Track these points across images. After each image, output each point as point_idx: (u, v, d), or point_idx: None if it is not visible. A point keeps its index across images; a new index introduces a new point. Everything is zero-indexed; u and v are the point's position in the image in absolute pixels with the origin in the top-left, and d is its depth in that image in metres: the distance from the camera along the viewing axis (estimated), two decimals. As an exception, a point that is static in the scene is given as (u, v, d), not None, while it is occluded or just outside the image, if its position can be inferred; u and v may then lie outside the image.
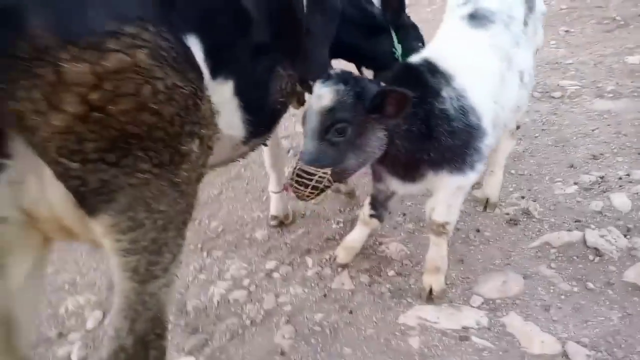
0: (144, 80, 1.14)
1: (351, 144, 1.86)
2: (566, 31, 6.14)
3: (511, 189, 3.29)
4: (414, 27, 3.20)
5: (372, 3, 3.01)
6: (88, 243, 1.49)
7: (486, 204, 3.12)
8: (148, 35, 1.13)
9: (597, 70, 4.90)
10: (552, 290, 2.44)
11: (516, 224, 2.93)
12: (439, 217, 2.33)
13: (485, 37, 2.30)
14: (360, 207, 3.41)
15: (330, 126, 1.81)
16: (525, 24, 2.48)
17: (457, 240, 2.86)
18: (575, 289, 2.43)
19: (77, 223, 1.35)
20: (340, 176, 1.95)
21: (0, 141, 1.15)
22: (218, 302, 2.73)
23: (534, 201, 3.10)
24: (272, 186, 3.32)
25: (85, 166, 1.17)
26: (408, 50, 2.91)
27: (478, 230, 2.92)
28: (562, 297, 2.40)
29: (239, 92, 1.71)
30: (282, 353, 2.32)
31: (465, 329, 2.31)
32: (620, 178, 3.17)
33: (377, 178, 2.43)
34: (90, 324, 2.67)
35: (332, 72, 1.92)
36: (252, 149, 2.25)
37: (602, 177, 3.20)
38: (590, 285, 2.42)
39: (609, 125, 3.84)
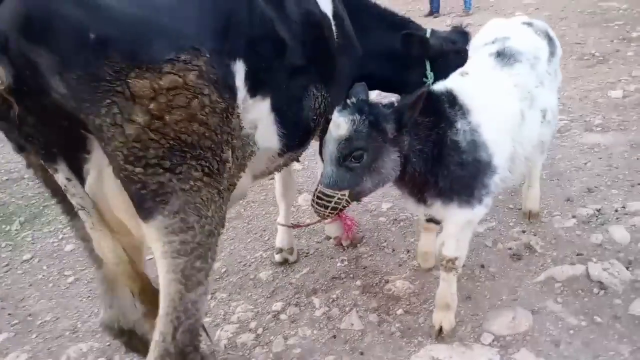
0: (193, 95, 1.40)
1: (367, 168, 1.99)
2: (550, 67, 6.39)
3: (511, 224, 3.35)
4: (457, 53, 3.16)
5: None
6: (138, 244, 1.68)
7: (529, 215, 3.34)
8: (198, 61, 1.40)
9: (583, 104, 5.09)
10: (560, 325, 2.45)
11: (520, 259, 2.97)
12: (449, 252, 2.38)
13: (510, 75, 2.40)
14: (362, 244, 3.45)
15: (347, 154, 1.94)
16: (549, 65, 2.62)
17: (463, 277, 2.88)
18: (584, 323, 2.45)
19: (127, 217, 1.56)
20: (357, 197, 2.10)
21: (85, 140, 1.48)
22: (225, 346, 2.69)
23: (535, 235, 3.15)
24: (280, 218, 3.33)
25: (147, 171, 1.39)
26: (443, 79, 2.98)
27: (483, 266, 2.94)
28: (571, 331, 2.42)
29: (275, 108, 1.93)
30: (295, 398, 2.29)
31: (478, 367, 2.30)
32: (616, 210, 3.25)
33: (403, 197, 2.52)
34: (94, 373, 2.60)
35: (348, 101, 2.02)
36: (287, 164, 2.46)
37: (599, 210, 3.28)
38: (598, 319, 2.44)
39: (600, 158, 3.96)
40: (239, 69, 1.64)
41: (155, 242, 1.49)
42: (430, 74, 3.05)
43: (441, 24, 10.93)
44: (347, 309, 2.80)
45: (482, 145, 2.15)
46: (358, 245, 3.43)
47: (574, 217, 3.27)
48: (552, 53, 2.70)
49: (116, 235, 1.69)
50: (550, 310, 2.54)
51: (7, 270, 3.87)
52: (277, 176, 3.24)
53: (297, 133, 2.17)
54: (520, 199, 3.57)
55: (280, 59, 1.90)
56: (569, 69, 6.21)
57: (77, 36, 1.24)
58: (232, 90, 1.60)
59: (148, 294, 1.71)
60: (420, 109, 2.03)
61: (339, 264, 3.26)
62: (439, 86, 2.33)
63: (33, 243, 4.34)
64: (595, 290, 2.62)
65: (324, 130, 2.17)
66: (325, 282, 3.09)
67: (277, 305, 2.92)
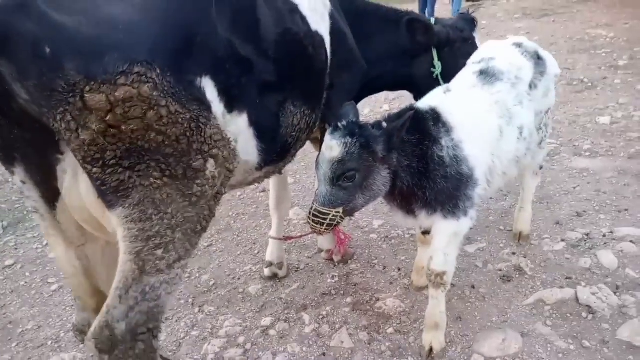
0: (148, 106, 1.48)
1: (359, 186, 2.10)
2: (540, 91, 6.51)
3: (502, 245, 3.37)
4: (465, 41, 3.23)
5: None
6: (110, 237, 1.75)
7: (520, 236, 3.38)
8: (152, 74, 1.47)
9: (572, 129, 5.18)
10: (549, 349, 2.46)
11: (510, 281, 2.98)
12: (437, 266, 2.40)
13: (491, 94, 2.51)
14: (353, 260, 3.44)
15: (340, 175, 2.04)
16: (534, 86, 2.70)
17: (454, 297, 2.88)
18: (572, 347, 2.46)
19: (100, 212, 1.66)
20: (350, 213, 2.21)
21: (57, 142, 1.60)
22: (212, 361, 2.64)
23: (525, 257, 3.17)
24: (273, 231, 3.31)
25: (105, 170, 1.51)
26: (451, 68, 3.00)
27: (473, 287, 2.95)
28: (560, 355, 2.42)
29: (253, 123, 2.00)
30: (283, 417, 2.25)
31: (468, 390, 2.30)
32: (604, 235, 3.29)
33: (391, 211, 2.57)
34: (77, 386, 2.53)
35: (339, 123, 2.10)
36: (267, 176, 2.51)
37: (587, 235, 3.32)
38: (586, 343, 2.45)
39: (588, 183, 4.02)
40: (207, 84, 1.70)
41: (117, 227, 1.61)
42: (437, 64, 3.10)
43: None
44: (337, 326, 2.78)
45: (464, 159, 2.29)
46: (349, 261, 3.42)
47: (563, 240, 3.31)
48: (541, 73, 2.76)
49: (98, 235, 1.81)
50: (539, 333, 2.55)
51: (-12, 276, 3.78)
52: (272, 189, 3.23)
53: (274, 148, 2.24)
54: (510, 221, 3.60)
55: (249, 77, 1.96)
56: (559, 93, 6.31)
57: (33, 50, 1.35)
58: (202, 102, 1.67)
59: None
60: (407, 128, 2.15)
61: (329, 280, 3.24)
62: (424, 104, 2.42)
63: (16, 249, 4.25)
64: (584, 314, 2.63)
65: None
66: (316, 298, 3.07)
67: (266, 321, 2.89)
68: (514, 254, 3.25)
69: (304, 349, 2.64)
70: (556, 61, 2.97)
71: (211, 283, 3.40)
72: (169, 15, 1.61)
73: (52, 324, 3.14)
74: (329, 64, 2.53)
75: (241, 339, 2.77)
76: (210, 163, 1.72)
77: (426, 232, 2.84)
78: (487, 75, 2.58)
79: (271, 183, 3.26)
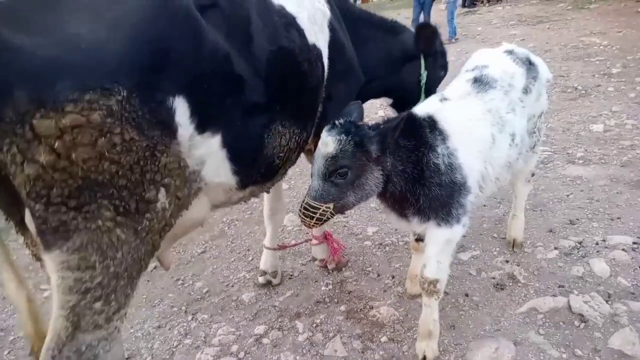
0: (99, 133, 1.37)
1: (351, 184, 2.12)
2: (534, 98, 6.56)
3: (495, 253, 3.38)
4: (443, 54, 3.34)
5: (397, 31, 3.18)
6: None
7: (513, 244, 3.41)
8: (108, 101, 1.37)
9: (566, 137, 5.22)
10: (542, 357, 2.46)
11: (503, 289, 2.99)
12: (430, 273, 2.41)
13: (484, 101, 2.54)
14: (347, 268, 3.44)
15: (333, 171, 2.07)
16: (527, 91, 2.74)
17: (447, 305, 2.88)
18: (565, 356, 2.46)
19: None
20: (340, 210, 2.22)
21: None
22: (205, 370, 2.63)
23: (518, 265, 3.18)
24: (267, 240, 3.30)
25: (48, 208, 1.36)
26: (433, 79, 3.13)
27: (467, 295, 2.96)
28: (553, 364, 2.43)
29: (227, 145, 1.87)
30: None
31: (460, 399, 2.29)
32: (597, 243, 3.31)
33: (385, 211, 2.59)
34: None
35: (336, 121, 2.14)
36: (255, 194, 2.41)
37: (580, 243, 3.34)
38: (579, 352, 2.46)
39: (582, 191, 4.05)
40: (180, 104, 1.59)
41: (51, 273, 1.45)
42: (424, 72, 3.14)
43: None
44: (330, 334, 2.78)
45: (458, 167, 2.31)
46: (343, 269, 3.42)
47: (556, 248, 3.32)
48: (534, 77, 2.81)
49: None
50: (532, 342, 2.55)
51: (-20, 283, 3.75)
52: (266, 199, 3.22)
53: (257, 169, 2.14)
54: (504, 228, 3.62)
55: (233, 96, 1.86)
56: (553, 100, 6.39)
57: None
58: (166, 127, 1.56)
59: None
60: (403, 133, 2.19)
61: (323, 288, 3.24)
62: (421, 111, 2.44)
63: (25, 246, 4.22)
64: (576, 322, 2.64)
65: None
66: (309, 306, 3.06)
67: (260, 329, 2.88)
68: (507, 261, 3.26)
69: (298, 357, 2.63)
70: (550, 68, 3.01)
71: (205, 290, 3.39)
72: (140, 30, 1.50)
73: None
74: (325, 77, 2.49)
75: (234, 348, 2.76)
76: (162, 193, 1.60)
77: (419, 240, 2.86)
78: (481, 83, 2.61)
79: (265, 193, 3.25)
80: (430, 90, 3.26)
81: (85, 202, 1.39)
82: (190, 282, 3.53)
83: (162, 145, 1.55)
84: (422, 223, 2.37)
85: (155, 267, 3.60)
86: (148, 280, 3.58)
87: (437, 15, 14.48)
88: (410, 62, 3.20)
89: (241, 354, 2.70)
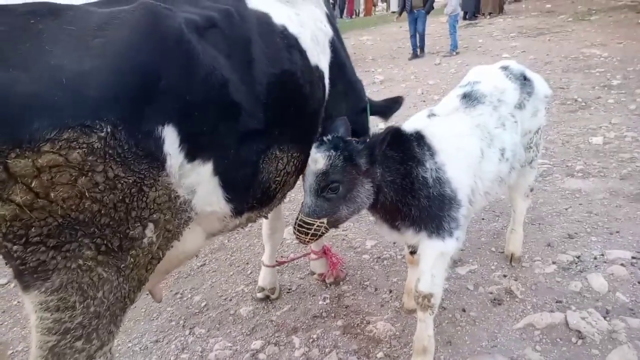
0: (79, 173, 1.30)
1: (343, 198, 2.17)
2: (534, 110, 6.58)
3: (493, 267, 3.38)
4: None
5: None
6: None
7: (511, 258, 3.41)
8: (89, 138, 1.29)
9: (565, 149, 5.22)
10: (539, 375, 2.46)
11: (500, 304, 2.98)
12: (424, 287, 2.42)
13: (472, 116, 2.57)
14: (345, 282, 3.44)
15: (325, 186, 2.12)
16: (521, 106, 2.77)
17: (444, 321, 2.88)
18: (561, 373, 2.45)
19: None
20: (334, 224, 2.26)
21: None
22: (201, 386, 2.63)
23: (516, 280, 3.18)
24: (265, 258, 3.30)
25: (26, 248, 1.30)
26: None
27: (464, 310, 2.95)
28: (549, 381, 2.42)
29: (219, 172, 1.80)
30: None
31: (456, 416, 2.28)
32: (595, 258, 3.30)
33: (377, 223, 2.61)
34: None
35: (324, 138, 2.18)
36: (252, 220, 2.34)
37: (578, 257, 3.33)
38: (576, 369, 2.45)
39: (580, 204, 4.04)
40: (169, 133, 1.52)
41: (30, 314, 1.41)
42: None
43: (427, 64, 11.24)
44: (327, 350, 2.77)
45: (446, 181, 2.35)
46: (341, 283, 3.42)
47: (554, 263, 3.31)
48: (528, 93, 2.83)
49: None
50: (528, 359, 2.54)
51: (-19, 295, 3.77)
52: (264, 220, 3.18)
53: (252, 195, 2.08)
54: (502, 242, 3.61)
55: (227, 123, 1.78)
56: (553, 112, 6.40)
57: None
58: (154, 159, 1.49)
59: None
60: (391, 145, 2.26)
61: (320, 302, 3.24)
62: (409, 127, 2.49)
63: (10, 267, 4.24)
64: (574, 339, 2.63)
65: None
66: (307, 321, 3.06)
67: (256, 344, 2.88)
68: (505, 276, 3.25)
69: (293, 373, 2.63)
70: (550, 80, 3.05)
71: (203, 304, 3.40)
72: (127, 59, 1.41)
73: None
74: (326, 98, 2.45)
75: (230, 363, 2.76)
76: (150, 228, 1.54)
77: (414, 252, 2.86)
78: (469, 98, 2.64)
79: None
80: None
81: (65, 241, 1.34)
82: (189, 296, 3.54)
83: (150, 179, 1.48)
84: (415, 234, 2.40)
85: (154, 281, 3.61)
86: (147, 294, 3.58)
87: (440, 28, 14.60)
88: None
89: (237, 370, 2.70)
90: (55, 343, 1.41)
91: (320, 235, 2.23)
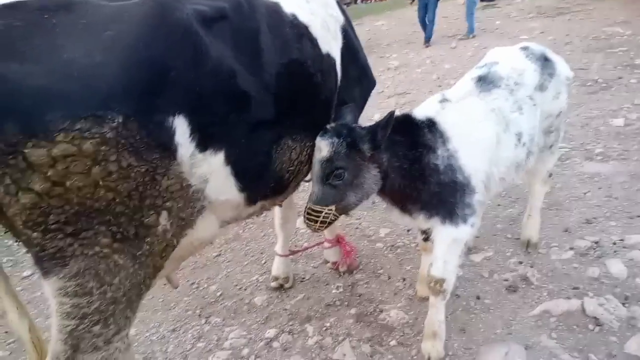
0: (93, 162, 1.35)
1: (349, 184, 2.19)
2: (553, 93, 6.41)
3: (508, 254, 3.33)
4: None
5: None
6: None
7: (527, 244, 3.34)
8: (102, 128, 1.34)
9: (584, 132, 5.09)
10: (554, 362, 2.43)
11: (515, 291, 2.95)
12: (437, 272, 2.42)
13: (487, 101, 2.51)
14: (359, 270, 3.44)
15: (330, 173, 2.14)
16: (543, 88, 2.69)
17: (458, 308, 2.86)
18: (578, 361, 2.42)
19: None
20: (343, 211, 2.28)
21: None
22: (217, 374, 2.68)
23: (532, 267, 3.13)
24: (278, 248, 3.32)
25: (45, 235, 1.35)
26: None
27: (478, 297, 2.92)
28: (565, 369, 2.39)
29: (231, 162, 1.82)
30: None
31: (469, 404, 2.28)
32: (614, 243, 3.23)
33: (387, 208, 2.60)
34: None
35: (328, 126, 2.20)
36: (267, 208, 2.39)
37: (596, 242, 3.26)
38: (592, 357, 2.40)
39: (600, 188, 3.94)
40: (180, 124, 1.56)
41: (50, 299, 1.47)
42: None
43: (443, 48, 11.04)
44: (340, 338, 2.79)
45: (458, 168, 2.32)
46: (354, 271, 3.42)
47: (571, 249, 3.25)
48: (550, 74, 2.75)
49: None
50: (544, 346, 2.51)
51: (6, 287, 3.88)
52: (276, 209, 3.21)
53: (266, 184, 2.10)
54: (518, 228, 3.56)
55: (238, 113, 1.80)
56: (572, 94, 6.18)
57: None
58: (165, 148, 1.53)
59: None
60: (399, 130, 2.24)
61: (334, 291, 3.25)
62: (420, 113, 2.46)
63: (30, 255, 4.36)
64: (591, 326, 2.59)
65: None
66: (320, 310, 3.08)
67: (270, 332, 2.91)
68: (520, 263, 3.21)
69: (307, 361, 2.66)
70: (570, 61, 2.94)
71: (218, 294, 3.45)
72: (137, 50, 1.45)
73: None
74: (338, 85, 2.44)
75: (245, 351, 2.80)
76: (163, 216, 1.58)
77: (427, 239, 2.84)
78: (484, 81, 2.59)
79: None
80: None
81: (82, 228, 1.39)
82: (205, 286, 3.59)
83: (162, 168, 1.52)
84: (427, 219, 2.40)
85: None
86: (165, 285, 3.63)
87: (456, 10, 14.29)
88: None
89: (251, 358, 2.74)
90: (74, 327, 1.47)
91: (330, 223, 2.25)
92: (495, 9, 15.26)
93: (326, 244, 3.45)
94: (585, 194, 3.92)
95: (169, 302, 3.44)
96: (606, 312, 2.62)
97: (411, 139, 2.33)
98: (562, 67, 2.86)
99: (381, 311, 2.96)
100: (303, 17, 2.17)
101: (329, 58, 2.29)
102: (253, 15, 1.93)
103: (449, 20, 13.76)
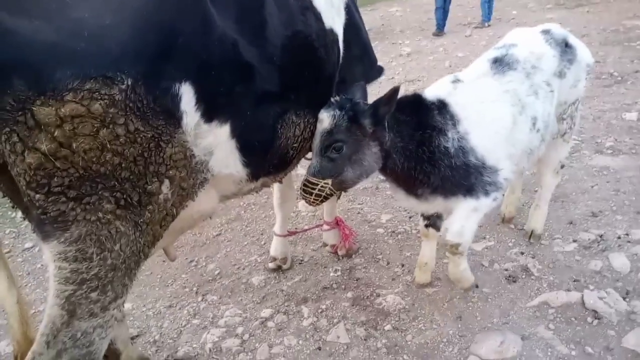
0: (101, 124, 1.33)
1: (347, 159, 2.17)
2: (566, 85, 6.28)
3: (510, 244, 3.29)
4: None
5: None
6: None
7: (531, 235, 3.28)
8: (110, 90, 1.32)
9: (596, 125, 4.98)
10: (550, 353, 2.39)
11: (515, 281, 2.91)
12: (452, 237, 2.46)
13: (501, 82, 2.46)
14: (358, 255, 3.42)
15: (328, 146, 2.14)
16: (562, 75, 2.63)
17: (456, 296, 2.83)
18: (574, 353, 2.38)
19: None
20: (340, 186, 2.27)
21: None
22: (210, 350, 2.68)
23: (533, 258, 3.08)
24: (276, 228, 3.30)
25: (48, 198, 1.34)
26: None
27: (477, 286, 2.88)
28: (561, 360, 2.36)
29: (236, 135, 1.81)
30: (273, 409, 2.27)
31: (461, 391, 2.26)
32: (619, 237, 3.16)
33: (391, 188, 2.59)
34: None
35: (332, 99, 2.19)
36: (267, 185, 2.38)
37: (601, 236, 3.20)
38: (589, 349, 2.37)
39: (608, 182, 3.87)
40: (186, 91, 1.53)
41: (49, 263, 1.46)
42: None
43: (457, 36, 10.86)
44: (335, 320, 2.77)
45: (470, 150, 2.29)
46: (353, 255, 3.40)
47: (575, 241, 3.19)
48: (569, 60, 2.68)
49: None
50: (540, 337, 2.48)
51: (8, 257, 3.92)
52: (276, 186, 3.20)
53: (269, 160, 2.09)
54: (522, 219, 3.50)
55: (244, 85, 1.77)
56: (586, 87, 6.09)
57: None
58: (170, 115, 1.51)
59: None
60: (406, 110, 2.25)
61: (332, 274, 3.23)
62: (431, 94, 2.41)
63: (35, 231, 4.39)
64: (589, 319, 2.54)
65: None
66: (317, 292, 3.06)
67: (266, 312, 2.91)
68: (522, 253, 3.16)
69: (300, 342, 2.65)
70: (587, 52, 2.84)
71: (216, 272, 3.45)
72: (147, 13, 1.42)
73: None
74: (340, 62, 2.42)
75: (239, 330, 2.80)
76: (165, 185, 1.57)
77: (429, 225, 2.81)
78: (500, 63, 2.53)
79: None
80: None
81: (86, 193, 1.37)
82: (204, 264, 3.59)
83: (166, 135, 1.51)
84: (445, 201, 2.39)
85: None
86: (164, 261, 3.65)
87: (471, -1, 13.98)
88: None
89: (245, 336, 2.74)
90: (72, 292, 1.46)
91: (326, 197, 2.24)
92: (512, -1, 14.94)
93: (325, 227, 3.42)
94: (592, 187, 3.84)
95: (167, 278, 3.45)
96: (606, 306, 2.58)
97: (419, 119, 2.29)
98: (583, 53, 2.79)
99: (378, 296, 2.94)
100: None
101: (332, 33, 2.26)
102: None
103: (464, 9, 13.49)
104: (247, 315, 2.93)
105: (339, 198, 3.41)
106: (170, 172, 1.57)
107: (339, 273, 3.24)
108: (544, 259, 3.08)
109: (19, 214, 4.65)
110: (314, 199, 2.21)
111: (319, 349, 2.59)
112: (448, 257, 2.59)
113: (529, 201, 3.65)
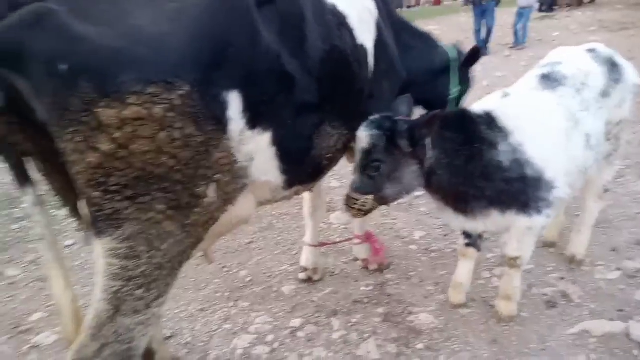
0: (160, 127, 1.39)
1: (386, 177, 2.19)
2: (610, 108, 6.10)
3: (550, 268, 3.18)
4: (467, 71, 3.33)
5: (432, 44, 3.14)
6: None
7: (572, 260, 3.20)
8: (170, 95, 1.38)
9: (641, 151, 4.81)
10: (591, 385, 2.29)
11: (554, 307, 2.81)
12: (511, 251, 2.52)
13: (553, 97, 2.44)
14: (389, 270, 3.38)
15: (367, 164, 2.18)
16: (607, 94, 2.57)
17: (492, 319, 2.75)
18: (617, 386, 2.27)
19: None
20: (381, 202, 2.29)
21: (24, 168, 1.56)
22: (240, 356, 2.69)
23: (574, 284, 2.98)
24: (307, 238, 3.31)
25: (105, 196, 1.40)
26: (462, 92, 3.17)
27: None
28: (602, 393, 2.25)
29: (277, 143, 1.88)
30: (302, 420, 2.24)
31: (495, 417, 2.18)
32: (666, 268, 3.02)
33: (439, 208, 2.57)
34: None
35: (371, 118, 2.21)
36: (298, 194, 2.43)
37: (646, 266, 3.06)
38: (634, 383, 2.26)
39: (654, 210, 3.72)
40: (234, 99, 1.60)
41: (98, 259, 1.51)
42: (457, 87, 3.13)
43: (496, 55, 10.73)
44: (365, 335, 2.74)
45: (526, 162, 2.25)
46: (384, 271, 3.36)
47: (618, 269, 3.07)
48: (615, 80, 2.62)
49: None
50: (581, 366, 2.38)
51: (49, 253, 4.05)
52: (306, 196, 3.22)
53: (304, 169, 2.16)
54: (562, 243, 3.39)
55: (285, 95, 1.85)
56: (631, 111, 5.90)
57: (48, 66, 1.26)
58: (219, 122, 1.57)
59: None
60: (451, 126, 2.25)
61: (363, 288, 3.20)
62: (477, 107, 2.41)
63: (77, 230, 4.53)
64: (635, 352, 2.42)
65: None
66: (347, 305, 3.04)
67: (296, 322, 2.90)
68: (562, 278, 3.06)
69: (330, 354, 2.62)
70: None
71: (248, 279, 3.47)
72: (202, 24, 1.50)
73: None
74: (369, 77, 2.45)
75: (270, 337, 2.80)
76: (212, 188, 1.63)
77: (469, 245, 2.76)
78: (549, 79, 2.51)
79: None
80: (460, 103, 3.26)
81: (140, 193, 1.43)
82: (236, 270, 3.62)
83: (215, 141, 1.57)
84: (502, 215, 2.37)
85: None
86: (198, 265, 3.71)
87: (511, 19, 13.86)
88: (442, 75, 3.12)
89: (275, 345, 2.73)
90: (119, 288, 1.51)
91: (368, 211, 2.28)
92: (553, 20, 14.73)
93: (355, 240, 3.41)
94: (637, 214, 3.70)
95: (200, 282, 3.49)
96: (653, 339, 2.46)
97: (466, 134, 2.28)
98: (630, 73, 2.71)
99: (410, 313, 2.89)
100: (342, 7, 2.22)
101: (363, 49, 2.32)
102: (297, 1, 1.97)
103: (504, 29, 13.37)
104: (277, 323, 2.93)
105: None
106: (217, 176, 1.63)
107: (370, 288, 3.21)
108: (585, 285, 2.96)
109: (62, 212, 4.81)
110: (356, 213, 2.26)
111: (349, 362, 2.56)
112: (505, 270, 2.63)
113: (571, 225, 3.53)
